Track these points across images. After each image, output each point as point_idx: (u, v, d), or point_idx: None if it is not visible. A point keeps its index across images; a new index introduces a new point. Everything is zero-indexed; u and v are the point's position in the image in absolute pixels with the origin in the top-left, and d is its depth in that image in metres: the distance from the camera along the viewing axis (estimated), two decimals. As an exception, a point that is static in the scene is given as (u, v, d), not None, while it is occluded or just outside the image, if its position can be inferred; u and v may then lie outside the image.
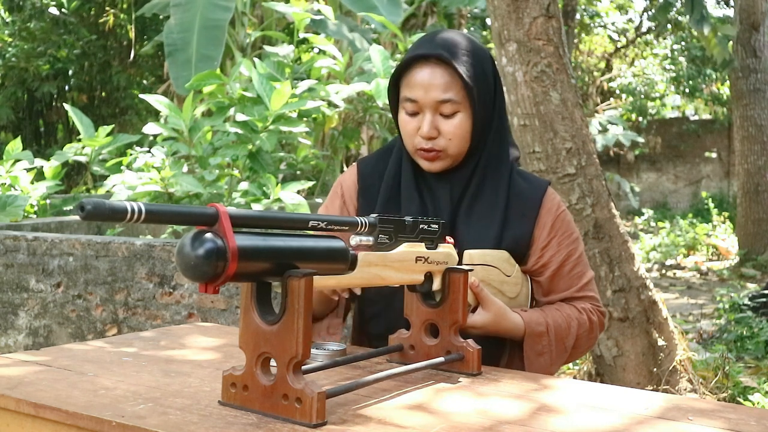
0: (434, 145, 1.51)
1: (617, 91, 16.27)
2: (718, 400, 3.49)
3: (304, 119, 4.41)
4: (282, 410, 1.02)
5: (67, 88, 12.74)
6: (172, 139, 4.17)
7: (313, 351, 1.35)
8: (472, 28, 12.85)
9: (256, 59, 4.55)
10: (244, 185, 3.77)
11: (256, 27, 8.43)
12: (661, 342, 3.39)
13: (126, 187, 3.73)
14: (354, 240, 1.20)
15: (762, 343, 4.56)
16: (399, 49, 5.71)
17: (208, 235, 0.93)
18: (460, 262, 1.43)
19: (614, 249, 3.30)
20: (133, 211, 0.85)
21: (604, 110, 14.35)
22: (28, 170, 4.92)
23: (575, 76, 3.80)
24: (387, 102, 1.61)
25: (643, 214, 12.70)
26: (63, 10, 11.90)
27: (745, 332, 4.72)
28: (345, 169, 5.01)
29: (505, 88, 3.37)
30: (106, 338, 1.57)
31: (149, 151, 4.26)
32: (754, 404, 3.37)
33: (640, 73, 16.40)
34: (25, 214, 4.37)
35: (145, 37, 12.28)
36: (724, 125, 14.95)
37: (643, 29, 17.32)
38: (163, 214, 0.89)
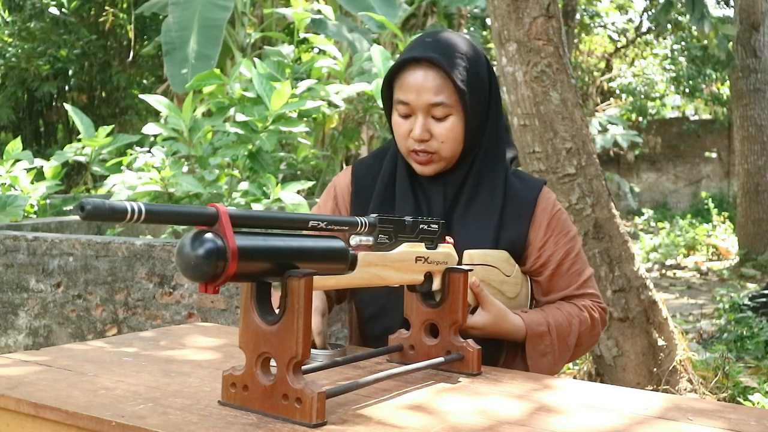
0: (427, 148, 1.52)
1: (617, 91, 16.27)
2: (718, 400, 3.49)
3: (304, 119, 4.41)
4: (282, 410, 1.02)
5: (67, 88, 12.73)
6: (172, 139, 4.17)
7: (313, 351, 1.35)
8: (472, 28, 12.84)
9: (256, 59, 4.55)
10: (244, 185, 3.77)
11: (256, 27, 8.43)
12: (661, 342, 3.39)
13: (126, 187, 3.73)
14: (354, 240, 1.20)
15: (762, 343, 4.56)
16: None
17: (208, 235, 0.93)
18: (459, 262, 1.43)
19: (614, 249, 3.30)
20: (133, 211, 0.85)
21: (604, 110, 14.34)
22: (28, 170, 4.91)
23: (575, 76, 3.80)
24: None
25: (643, 214, 12.70)
26: (63, 10, 11.90)
27: (745, 332, 4.72)
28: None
29: (505, 88, 3.37)
30: (106, 338, 1.57)
31: (149, 151, 4.26)
32: (754, 404, 3.37)
33: (640, 73, 16.40)
34: (25, 214, 4.37)
35: (145, 37, 12.28)
36: (724, 125, 14.95)
37: (643, 29, 17.32)
38: (163, 214, 0.89)
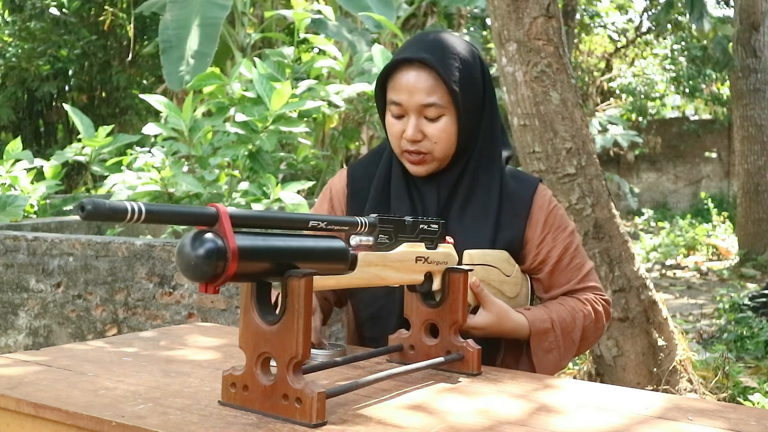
0: (419, 148, 1.52)
1: (617, 91, 16.27)
2: (718, 400, 3.49)
3: (304, 119, 4.41)
4: (282, 410, 1.02)
5: (67, 88, 12.74)
6: (172, 139, 4.17)
7: (313, 351, 1.35)
8: (471, 28, 12.84)
9: (256, 59, 4.55)
10: (244, 185, 3.77)
11: (256, 27, 8.43)
12: (661, 342, 3.39)
13: (126, 187, 3.73)
14: (354, 240, 1.20)
15: (762, 343, 4.55)
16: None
17: (209, 235, 0.93)
18: (460, 262, 1.43)
19: (614, 249, 3.30)
20: (133, 211, 0.85)
21: (604, 110, 14.34)
22: (28, 170, 4.91)
23: (575, 76, 3.80)
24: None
25: (643, 214, 12.70)
26: (63, 10, 11.90)
27: (745, 332, 4.72)
28: (345, 169, 5.00)
29: (505, 88, 3.37)
30: (106, 338, 1.57)
31: (149, 151, 4.26)
32: (754, 404, 3.37)
33: (640, 73, 16.40)
34: (25, 214, 4.37)
35: (145, 37, 12.29)
36: (724, 125, 14.95)
37: (643, 29, 17.32)
38: (163, 214, 0.89)
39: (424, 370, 1.29)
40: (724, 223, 10.62)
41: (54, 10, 11.88)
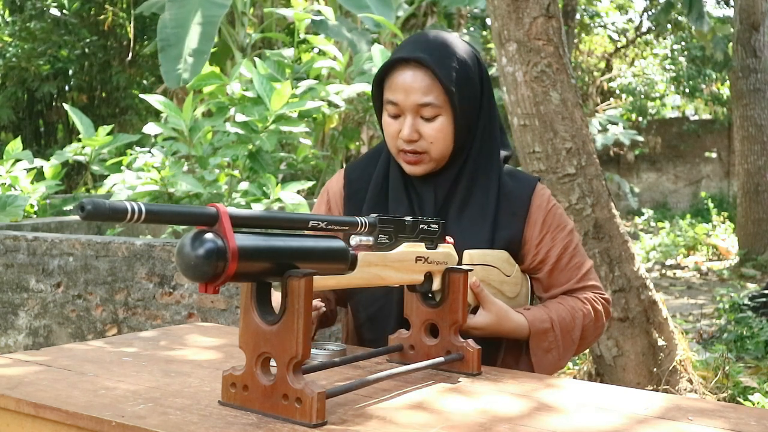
0: (416, 148, 1.51)
1: (617, 91, 16.27)
2: (718, 400, 3.49)
3: (305, 119, 4.41)
4: (282, 410, 1.02)
5: (67, 88, 12.74)
6: (172, 139, 4.17)
7: (313, 351, 1.35)
8: (472, 28, 12.85)
9: (256, 59, 4.55)
10: (244, 185, 3.77)
11: (256, 27, 8.43)
12: (661, 342, 3.39)
13: (126, 187, 3.73)
14: (354, 240, 1.20)
15: (762, 343, 4.55)
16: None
17: (208, 235, 0.93)
18: (460, 262, 1.43)
19: (614, 249, 3.30)
20: (133, 211, 0.85)
21: (604, 110, 14.35)
22: (28, 170, 4.92)
23: (575, 76, 3.80)
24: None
25: (643, 214, 12.70)
26: (64, 11, 11.91)
27: (745, 332, 4.72)
28: (345, 169, 5.01)
29: (505, 88, 3.37)
30: (106, 338, 1.57)
31: (149, 151, 4.26)
32: (754, 404, 3.37)
33: (640, 73, 16.41)
34: (25, 214, 4.37)
35: (145, 37, 12.29)
36: (724, 125, 14.95)
37: (643, 29, 17.32)
38: (163, 214, 0.89)
39: (424, 370, 1.29)
40: (724, 223, 10.62)
41: (54, 11, 11.88)
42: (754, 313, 5.04)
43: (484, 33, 13.02)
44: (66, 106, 5.95)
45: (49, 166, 5.00)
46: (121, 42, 12.69)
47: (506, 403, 1.15)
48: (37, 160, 5.13)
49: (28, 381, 1.18)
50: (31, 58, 11.48)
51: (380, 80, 1.55)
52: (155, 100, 4.19)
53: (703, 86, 14.67)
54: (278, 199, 3.58)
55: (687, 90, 14.63)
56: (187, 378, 1.22)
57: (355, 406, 1.10)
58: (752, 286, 7.23)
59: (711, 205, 10.54)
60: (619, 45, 17.66)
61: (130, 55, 11.63)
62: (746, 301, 5.29)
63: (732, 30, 8.58)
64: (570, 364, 3.82)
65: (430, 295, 1.34)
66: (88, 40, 11.86)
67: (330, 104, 4.58)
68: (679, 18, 14.17)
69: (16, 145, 5.15)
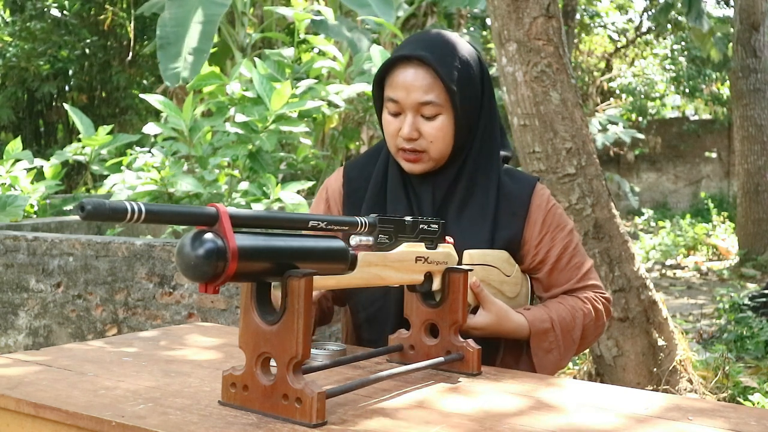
0: (415, 146, 1.51)
1: (617, 91, 16.28)
2: (718, 400, 3.49)
3: (305, 119, 4.41)
4: (282, 410, 1.02)
5: (67, 88, 12.74)
6: (172, 139, 4.17)
7: (313, 351, 1.35)
8: (472, 28, 12.85)
9: (256, 59, 4.55)
10: (244, 185, 3.77)
11: (256, 27, 8.43)
12: (661, 342, 3.39)
13: (126, 187, 3.73)
14: (354, 240, 1.20)
15: (762, 343, 4.56)
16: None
17: (208, 235, 0.93)
18: (460, 262, 1.42)
19: (614, 249, 3.30)
20: (133, 211, 0.85)
21: (604, 110, 14.35)
22: (28, 170, 4.92)
23: (575, 76, 3.80)
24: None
25: (643, 214, 12.71)
26: (64, 12, 11.91)
27: (745, 332, 4.72)
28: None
29: (505, 88, 3.37)
30: (106, 338, 1.57)
31: (149, 151, 4.26)
32: (754, 404, 3.37)
33: (640, 73, 16.41)
34: (25, 214, 4.37)
35: (145, 37, 12.29)
36: (724, 125, 14.96)
37: (643, 29, 17.32)
38: (163, 214, 0.89)
39: (424, 370, 1.29)
40: (724, 223, 10.63)
41: (54, 11, 11.88)
42: (754, 313, 5.04)
43: (484, 33, 13.03)
44: (66, 106, 5.96)
45: (49, 166, 5.00)
46: (121, 42, 12.69)
47: (506, 403, 1.15)
48: (37, 160, 5.13)
49: (28, 381, 1.18)
50: (31, 58, 11.48)
51: (381, 78, 1.55)
52: (155, 100, 4.19)
53: (703, 86, 14.68)
54: (278, 199, 3.58)
55: (687, 90, 14.65)
56: (187, 378, 1.22)
57: (355, 406, 1.10)
58: (752, 286, 7.23)
59: (711, 205, 10.54)
60: (619, 45, 17.66)
61: (130, 55, 11.63)
62: (746, 301, 5.29)
63: (732, 30, 8.57)
64: (570, 364, 3.82)
65: (430, 295, 1.34)
66: (88, 40, 11.86)
67: (330, 104, 4.58)
68: (679, 18, 14.17)
69: (16, 145, 5.15)
